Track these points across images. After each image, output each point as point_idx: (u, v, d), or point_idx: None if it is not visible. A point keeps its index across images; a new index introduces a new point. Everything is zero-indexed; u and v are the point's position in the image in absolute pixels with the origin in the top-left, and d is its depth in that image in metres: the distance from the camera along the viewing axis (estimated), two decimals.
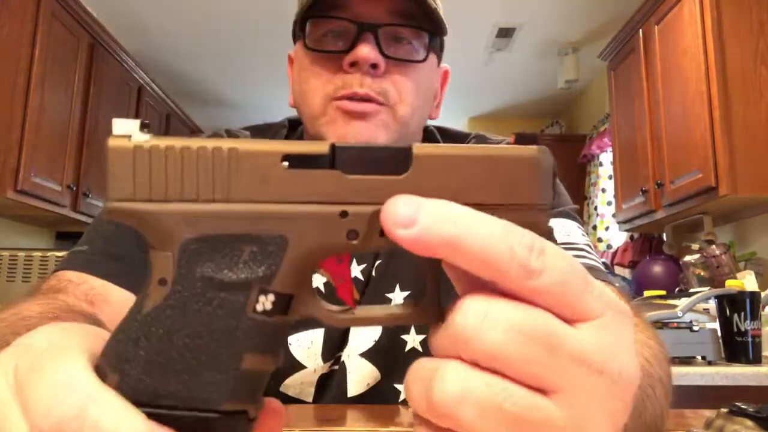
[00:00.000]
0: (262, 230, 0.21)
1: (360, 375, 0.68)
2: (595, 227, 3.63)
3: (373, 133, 0.62)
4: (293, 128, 0.79)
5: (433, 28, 0.65)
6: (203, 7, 3.09)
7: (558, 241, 0.64)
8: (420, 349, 0.69)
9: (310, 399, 0.68)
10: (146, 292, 0.22)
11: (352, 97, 0.61)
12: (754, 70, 2.02)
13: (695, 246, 2.27)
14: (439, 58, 0.72)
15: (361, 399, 0.68)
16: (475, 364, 0.20)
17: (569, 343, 0.20)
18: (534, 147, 0.23)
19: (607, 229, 3.57)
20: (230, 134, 0.74)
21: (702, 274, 2.18)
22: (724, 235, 2.40)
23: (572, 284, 0.21)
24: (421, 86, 0.66)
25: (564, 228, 0.66)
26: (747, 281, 1.88)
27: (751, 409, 0.44)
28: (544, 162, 0.23)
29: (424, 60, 0.66)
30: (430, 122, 0.77)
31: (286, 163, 0.21)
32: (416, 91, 0.65)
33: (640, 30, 2.54)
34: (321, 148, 0.22)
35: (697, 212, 2.28)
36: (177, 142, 0.22)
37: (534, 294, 0.21)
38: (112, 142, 0.21)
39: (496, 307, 0.20)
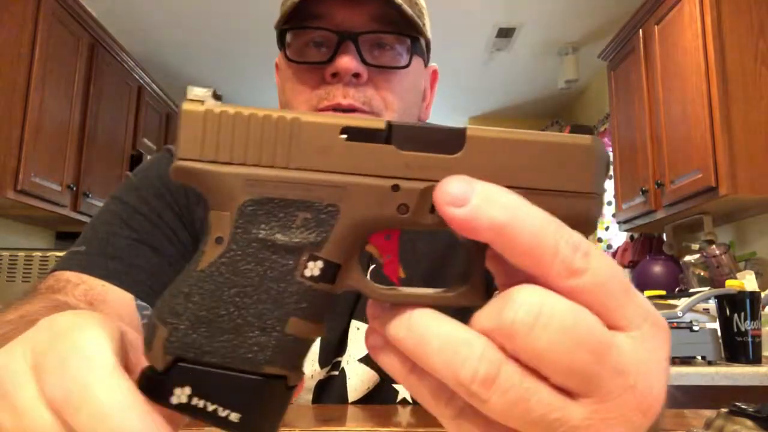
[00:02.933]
0: (316, 198, 0.22)
1: (359, 380, 0.67)
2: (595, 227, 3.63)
3: None
4: None
5: (413, 33, 0.64)
6: (203, 7, 3.09)
7: None
8: None
9: (309, 405, 0.68)
10: (203, 249, 0.23)
11: (336, 109, 0.61)
12: (754, 70, 2.02)
13: (695, 246, 2.27)
14: (426, 59, 0.71)
15: (361, 403, 0.68)
16: (515, 356, 0.20)
17: (615, 353, 0.20)
18: (589, 136, 0.23)
19: (607, 229, 3.57)
20: None
21: (702, 274, 2.18)
22: (724, 235, 2.40)
23: (613, 290, 0.21)
24: (407, 91, 0.65)
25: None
26: (747, 281, 1.88)
27: (751, 409, 0.44)
28: (598, 151, 0.23)
29: (407, 65, 0.64)
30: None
31: (344, 136, 0.22)
32: (401, 97, 0.64)
33: (640, 30, 2.54)
34: (378, 124, 0.22)
35: (697, 212, 2.28)
36: (245, 110, 0.23)
37: (574, 294, 0.20)
38: (185, 105, 0.22)
39: (549, 303, 0.20)
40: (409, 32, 0.64)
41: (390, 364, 0.23)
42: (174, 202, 0.67)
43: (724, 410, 0.45)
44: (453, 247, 0.70)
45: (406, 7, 0.62)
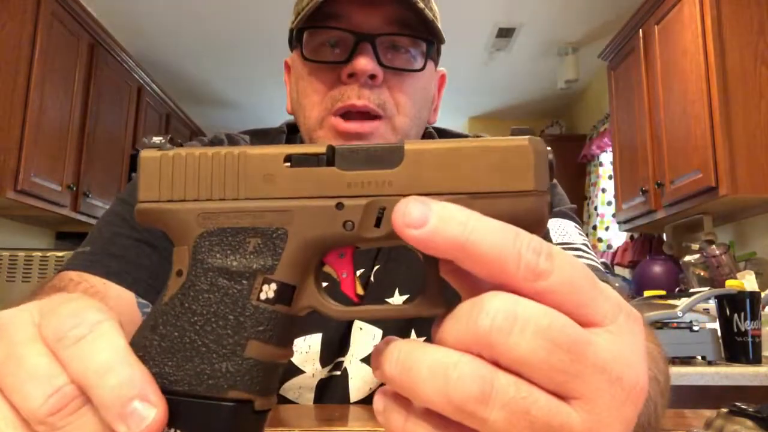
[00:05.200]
0: (265, 223, 0.23)
1: (362, 380, 0.67)
2: (595, 227, 3.63)
3: None
4: (292, 132, 0.78)
5: (430, 37, 0.65)
6: (203, 7, 3.09)
7: (555, 241, 0.64)
8: None
9: (310, 404, 0.68)
10: (167, 284, 0.24)
11: (350, 111, 0.61)
12: (754, 70, 2.02)
13: (695, 246, 2.27)
14: (436, 63, 0.72)
15: (363, 403, 0.67)
16: (495, 363, 0.20)
17: (592, 351, 0.20)
18: (526, 137, 0.24)
19: (607, 229, 3.57)
20: (230, 138, 0.75)
21: (702, 274, 2.18)
22: (724, 235, 2.40)
23: (582, 287, 0.21)
24: (419, 95, 0.66)
25: (561, 228, 0.66)
26: (747, 281, 1.88)
27: (751, 409, 0.44)
28: (536, 150, 0.23)
29: (422, 69, 0.65)
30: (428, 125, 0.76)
31: (287, 164, 0.23)
32: (414, 101, 0.65)
33: (640, 30, 2.54)
34: (320, 149, 0.23)
35: (697, 212, 2.28)
36: (196, 151, 0.24)
37: (544, 296, 0.21)
38: (143, 153, 0.24)
39: (523, 308, 0.20)
40: (427, 36, 0.64)
41: (392, 420, 0.22)
42: None
43: (724, 410, 0.45)
44: None
45: (426, 10, 0.62)
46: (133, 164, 3.21)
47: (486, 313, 0.20)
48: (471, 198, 0.23)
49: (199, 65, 3.84)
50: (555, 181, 0.73)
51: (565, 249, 0.59)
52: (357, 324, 0.68)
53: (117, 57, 2.99)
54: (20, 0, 2.26)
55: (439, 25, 0.66)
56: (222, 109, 4.60)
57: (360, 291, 0.26)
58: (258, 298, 0.23)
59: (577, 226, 0.69)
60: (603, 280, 0.62)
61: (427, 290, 0.24)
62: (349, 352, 0.68)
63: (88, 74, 2.72)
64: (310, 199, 0.23)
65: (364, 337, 0.67)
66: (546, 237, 0.64)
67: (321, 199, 0.23)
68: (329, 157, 0.23)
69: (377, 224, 0.23)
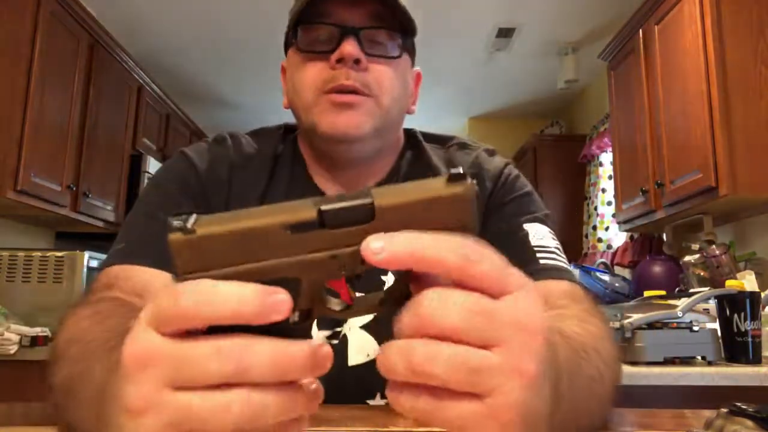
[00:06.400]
0: (283, 276, 0.30)
1: (360, 345, 0.73)
2: (595, 227, 3.63)
3: (360, 119, 0.71)
4: (289, 132, 0.85)
5: (404, 29, 0.75)
6: (203, 7, 3.09)
7: (533, 244, 0.72)
8: None
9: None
10: None
11: (341, 90, 0.70)
12: (754, 70, 2.02)
13: (695, 246, 2.27)
14: (413, 59, 0.81)
15: (362, 369, 0.71)
16: (437, 337, 0.29)
17: (500, 312, 0.30)
18: (460, 185, 0.30)
19: (607, 229, 3.57)
20: (232, 137, 0.82)
21: (702, 274, 2.18)
22: (724, 235, 2.40)
23: (498, 269, 0.30)
24: (398, 79, 0.75)
25: (537, 232, 0.74)
26: (747, 281, 1.88)
27: (751, 409, 0.44)
28: (468, 195, 0.30)
29: (399, 56, 0.75)
30: (417, 128, 0.86)
31: (289, 231, 0.30)
32: (394, 84, 0.74)
33: (640, 30, 2.54)
34: (310, 215, 0.30)
35: (697, 212, 2.28)
36: (217, 229, 0.30)
37: (474, 279, 0.29)
38: (171, 237, 0.30)
39: (449, 294, 0.29)
40: (401, 30, 0.75)
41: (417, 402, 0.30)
42: (191, 191, 0.76)
43: (724, 410, 0.45)
44: None
45: (400, 7, 0.72)
46: (134, 164, 3.21)
47: (425, 299, 0.29)
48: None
49: (199, 65, 3.84)
50: (531, 188, 0.80)
51: (540, 251, 0.72)
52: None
53: (117, 57, 2.99)
54: (20, 0, 2.26)
55: (413, 20, 0.75)
56: (222, 109, 4.60)
57: (353, 295, 0.34)
58: (290, 321, 0.31)
59: (551, 231, 0.76)
60: (570, 280, 0.70)
61: (394, 294, 0.33)
62: (348, 322, 0.74)
63: (88, 74, 2.72)
64: (312, 253, 0.30)
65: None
66: (526, 238, 0.73)
67: (319, 252, 0.30)
68: (320, 221, 0.30)
69: (363, 262, 0.30)
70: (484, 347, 0.29)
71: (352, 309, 0.34)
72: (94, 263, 2.39)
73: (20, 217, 2.71)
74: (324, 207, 0.30)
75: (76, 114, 2.62)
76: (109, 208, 2.96)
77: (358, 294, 0.34)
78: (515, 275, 0.31)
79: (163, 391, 0.28)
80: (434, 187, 0.31)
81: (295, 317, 0.31)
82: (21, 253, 2.37)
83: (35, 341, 2.01)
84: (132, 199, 3.05)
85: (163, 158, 3.54)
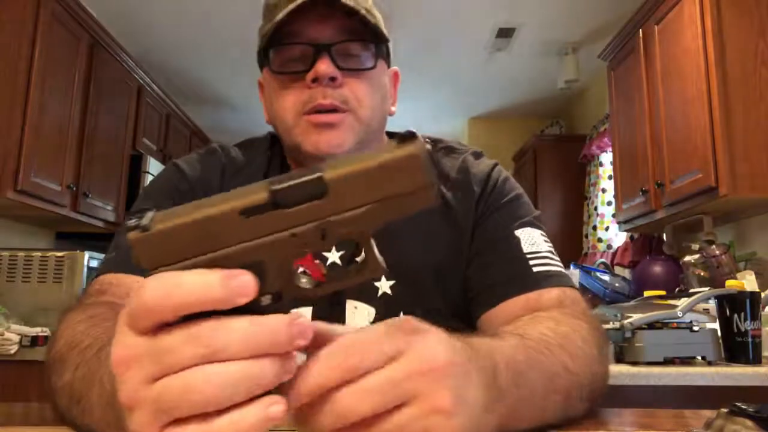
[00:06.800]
0: (247, 261, 0.30)
1: None
2: (595, 227, 3.63)
3: (341, 137, 0.71)
4: (276, 139, 0.86)
5: (375, 39, 0.75)
6: (203, 7, 3.09)
7: (525, 251, 0.72)
8: None
9: None
10: None
11: (319, 110, 0.71)
12: (754, 70, 2.02)
13: (695, 246, 2.27)
14: (388, 62, 0.81)
15: None
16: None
17: (399, 374, 0.32)
18: (412, 145, 0.30)
19: (607, 229, 3.57)
20: (222, 148, 0.83)
21: (702, 274, 2.18)
22: (724, 235, 2.40)
23: (382, 341, 0.33)
24: (375, 89, 0.76)
25: (529, 237, 0.74)
26: (747, 281, 1.88)
27: (751, 409, 0.44)
28: (420, 153, 0.30)
29: (374, 67, 0.75)
30: (417, 128, 0.81)
31: (243, 216, 0.30)
32: (372, 94, 0.75)
33: (640, 30, 2.54)
34: (261, 197, 0.30)
35: (697, 212, 2.28)
36: (172, 222, 0.30)
37: (365, 368, 0.32)
38: (130, 236, 0.30)
39: (356, 387, 0.31)
40: (373, 39, 0.75)
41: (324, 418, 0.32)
42: (182, 200, 0.72)
43: (724, 410, 0.45)
44: (449, 257, 0.75)
45: (369, 16, 0.72)
46: (134, 164, 3.21)
47: (340, 400, 0.31)
48: (381, 204, 0.30)
49: (199, 65, 3.84)
50: (519, 191, 0.80)
51: (533, 257, 0.71)
52: (351, 303, 0.73)
53: (117, 57, 2.99)
54: (20, 0, 2.26)
55: (382, 28, 0.75)
56: (222, 109, 4.60)
57: (324, 271, 0.34)
58: (261, 304, 0.31)
59: (543, 233, 0.76)
60: (567, 285, 0.70)
61: (368, 259, 0.32)
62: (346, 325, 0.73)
63: (88, 74, 2.72)
64: (271, 235, 0.30)
65: (360, 316, 0.73)
66: (518, 246, 0.72)
67: (278, 233, 0.30)
68: (273, 202, 0.30)
69: (323, 237, 0.30)
70: (403, 405, 0.32)
71: (324, 285, 0.33)
72: (94, 263, 2.39)
73: (20, 217, 2.71)
74: (274, 187, 0.30)
75: (76, 114, 2.62)
76: (109, 208, 2.96)
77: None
78: (403, 328, 0.33)
79: (147, 385, 0.29)
80: (385, 151, 0.30)
81: (267, 300, 0.31)
82: (21, 253, 2.37)
83: (35, 341, 2.01)
84: (132, 199, 3.06)
85: (164, 158, 3.54)
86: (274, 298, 0.31)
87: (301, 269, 0.34)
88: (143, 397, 0.29)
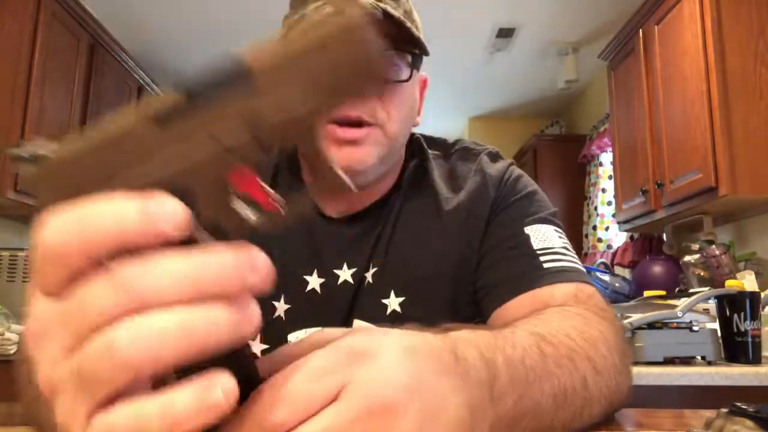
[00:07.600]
0: (169, 184, 0.23)
1: None
2: (595, 227, 3.63)
3: (365, 153, 0.66)
4: None
5: (415, 50, 0.70)
6: (203, 7, 3.09)
7: (536, 247, 0.68)
8: None
9: None
10: None
11: (346, 121, 0.65)
12: (754, 70, 2.02)
13: (695, 246, 2.27)
14: (419, 70, 0.76)
15: None
16: None
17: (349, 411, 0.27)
18: (349, 13, 0.23)
19: (607, 229, 3.57)
20: None
21: (702, 274, 2.18)
22: (724, 235, 2.40)
23: (315, 379, 0.28)
24: (406, 103, 0.71)
25: (541, 233, 0.70)
26: (747, 281, 1.88)
27: (751, 409, 0.44)
28: (359, 21, 0.23)
29: (408, 79, 0.70)
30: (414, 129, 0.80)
31: (158, 127, 0.23)
32: (402, 109, 0.70)
33: (640, 30, 2.54)
34: (174, 96, 0.23)
35: (697, 212, 2.28)
36: (74, 146, 0.24)
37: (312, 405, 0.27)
38: (22, 172, 0.24)
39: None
40: (412, 49, 0.69)
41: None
42: None
43: (724, 410, 0.45)
44: (463, 269, 0.72)
45: (413, 29, 0.66)
46: None
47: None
48: (332, 89, 0.23)
49: (198, 65, 3.84)
50: (533, 188, 0.76)
51: (545, 254, 0.67)
52: (356, 324, 0.69)
53: (117, 57, 2.99)
54: (20, 0, 2.26)
55: (422, 37, 0.69)
56: None
57: (275, 196, 0.25)
58: (196, 242, 0.24)
59: (557, 229, 0.72)
60: (583, 281, 0.66)
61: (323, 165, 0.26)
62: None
63: (88, 74, 2.72)
64: (194, 143, 0.23)
65: None
66: (527, 242, 0.68)
67: (203, 140, 0.23)
68: (188, 97, 0.23)
69: (258, 140, 0.23)
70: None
71: (273, 215, 0.25)
72: None
73: (20, 217, 2.71)
74: (188, 83, 0.24)
75: (76, 114, 2.62)
76: None
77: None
78: (347, 353, 0.28)
79: (64, 361, 0.22)
80: (317, 24, 0.24)
81: (204, 236, 0.24)
82: (21, 253, 2.37)
83: None
84: None
85: None
86: (212, 232, 0.24)
87: (244, 195, 0.25)
88: (61, 376, 0.22)
